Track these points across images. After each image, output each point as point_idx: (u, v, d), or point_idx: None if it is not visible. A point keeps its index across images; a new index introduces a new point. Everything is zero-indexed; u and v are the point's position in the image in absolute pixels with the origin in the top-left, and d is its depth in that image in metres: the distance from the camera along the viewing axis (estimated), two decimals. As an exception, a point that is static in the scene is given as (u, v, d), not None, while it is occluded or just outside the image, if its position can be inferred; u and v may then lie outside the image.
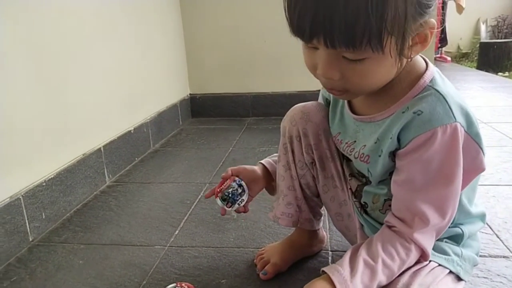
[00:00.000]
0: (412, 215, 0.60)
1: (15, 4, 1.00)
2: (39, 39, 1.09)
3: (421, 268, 0.62)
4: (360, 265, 0.58)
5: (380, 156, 0.63)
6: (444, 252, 0.66)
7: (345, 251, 0.65)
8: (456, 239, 0.68)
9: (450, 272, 0.65)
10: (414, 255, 0.61)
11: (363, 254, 0.60)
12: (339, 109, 0.74)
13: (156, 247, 0.98)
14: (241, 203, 0.80)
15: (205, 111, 2.28)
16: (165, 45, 2.00)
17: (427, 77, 0.60)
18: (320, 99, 0.82)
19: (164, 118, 1.91)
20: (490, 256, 0.88)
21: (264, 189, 0.87)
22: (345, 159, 0.77)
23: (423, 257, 0.62)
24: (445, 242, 0.68)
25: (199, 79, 2.26)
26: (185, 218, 1.12)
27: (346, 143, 0.71)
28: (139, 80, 1.69)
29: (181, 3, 2.15)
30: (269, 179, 0.87)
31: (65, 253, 0.98)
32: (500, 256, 0.88)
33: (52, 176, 1.12)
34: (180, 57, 2.17)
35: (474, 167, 0.62)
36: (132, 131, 1.59)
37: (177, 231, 1.05)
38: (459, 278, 0.66)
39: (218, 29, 2.17)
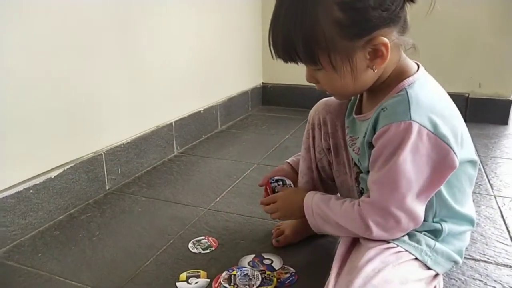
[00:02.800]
0: (369, 191, 0.71)
1: None
2: (125, 22, 1.35)
3: (388, 248, 0.70)
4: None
5: (365, 148, 0.74)
6: (417, 241, 0.72)
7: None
8: (435, 233, 0.74)
9: (418, 259, 0.71)
10: (357, 216, 0.70)
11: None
12: (349, 109, 0.85)
13: (198, 208, 1.19)
14: (289, 186, 0.97)
15: (275, 100, 2.44)
16: (243, 36, 2.19)
17: (407, 82, 0.68)
18: None
19: (234, 103, 2.12)
20: (496, 264, 0.92)
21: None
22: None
23: (366, 230, 0.70)
24: (424, 234, 0.74)
25: (273, 70, 2.42)
26: (228, 189, 1.31)
27: (351, 137, 0.82)
28: (214, 67, 1.91)
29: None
30: (295, 174, 1.00)
31: (130, 202, 1.23)
32: (506, 266, 0.92)
33: (129, 141, 1.39)
34: (257, 48, 2.35)
35: (446, 165, 0.66)
36: (202, 112, 1.82)
37: (218, 199, 1.24)
38: (428, 268, 0.73)
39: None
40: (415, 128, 0.63)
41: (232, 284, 0.82)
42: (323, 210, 0.78)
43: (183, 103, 1.71)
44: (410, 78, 0.69)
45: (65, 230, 1.07)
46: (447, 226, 0.74)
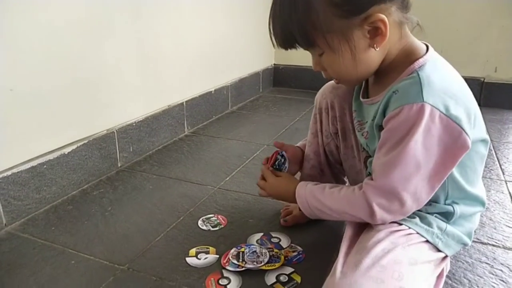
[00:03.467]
0: (374, 173, 0.70)
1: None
2: (138, 2, 1.34)
3: (398, 230, 0.71)
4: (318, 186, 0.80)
5: (374, 131, 0.73)
6: (428, 224, 0.73)
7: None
8: (447, 216, 0.74)
9: (429, 242, 0.72)
10: (360, 200, 0.70)
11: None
12: (355, 94, 0.84)
13: (208, 186, 1.20)
14: (285, 170, 0.95)
15: (286, 81, 2.43)
16: (255, 16, 2.16)
17: (418, 64, 0.67)
18: None
19: (245, 84, 2.11)
20: (504, 248, 0.92)
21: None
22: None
23: (370, 213, 0.69)
24: (435, 216, 0.74)
25: (284, 51, 2.40)
26: (238, 169, 1.32)
27: (358, 121, 0.82)
28: (226, 47, 1.90)
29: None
30: (302, 158, 1.00)
31: (141, 179, 1.25)
32: (514, 250, 0.92)
33: (141, 119, 1.40)
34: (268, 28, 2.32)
35: (458, 146, 0.65)
36: (213, 92, 1.82)
37: (227, 178, 1.26)
38: (438, 250, 0.73)
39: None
40: (428, 110, 0.62)
41: (240, 260, 0.84)
42: (318, 199, 0.78)
43: (195, 83, 1.71)
44: (421, 60, 0.67)
45: (78, 205, 1.10)
46: (459, 208, 0.74)
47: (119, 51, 1.27)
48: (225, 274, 0.82)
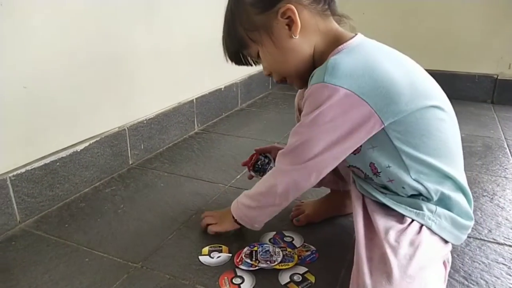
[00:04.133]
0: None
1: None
2: (148, 5, 1.34)
3: (404, 229, 0.70)
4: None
5: None
6: (419, 207, 0.72)
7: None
8: (425, 194, 0.73)
9: (436, 234, 0.71)
10: (270, 174, 0.81)
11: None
12: None
13: (219, 184, 1.20)
14: (270, 170, 0.94)
15: (296, 78, 2.42)
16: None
17: (333, 53, 0.71)
18: None
19: (255, 81, 2.10)
20: (521, 249, 0.91)
21: None
22: None
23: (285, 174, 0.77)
24: (422, 199, 0.74)
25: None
26: (249, 167, 1.31)
27: None
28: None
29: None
30: None
31: (153, 177, 1.25)
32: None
33: (152, 116, 1.40)
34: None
35: (364, 119, 0.67)
36: (222, 89, 1.82)
37: (238, 176, 1.25)
38: (444, 241, 0.72)
39: None
40: (327, 87, 0.66)
41: (253, 259, 0.84)
42: (243, 201, 0.86)
43: (205, 81, 1.70)
44: (339, 47, 0.71)
45: (90, 202, 1.10)
46: (430, 185, 0.72)
47: (130, 49, 1.27)
48: (239, 273, 0.81)
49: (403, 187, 0.74)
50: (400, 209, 0.74)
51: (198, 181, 1.22)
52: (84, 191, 1.15)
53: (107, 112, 1.22)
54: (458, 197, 0.75)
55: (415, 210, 0.73)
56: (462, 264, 0.85)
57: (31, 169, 1.00)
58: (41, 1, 0.97)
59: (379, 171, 0.74)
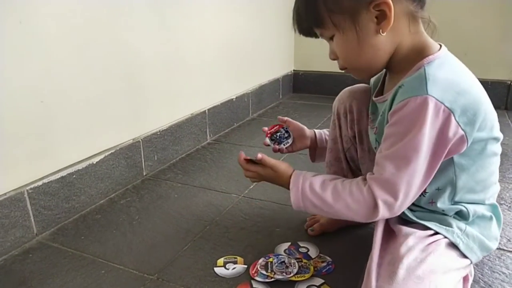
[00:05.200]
0: (376, 167, 0.69)
1: (151, -11, 1.28)
2: (160, 11, 1.36)
3: (426, 236, 0.70)
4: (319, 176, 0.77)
5: (384, 126, 0.72)
6: (448, 224, 0.72)
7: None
8: (463, 215, 0.73)
9: (453, 246, 0.71)
10: (366, 197, 0.68)
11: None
12: (372, 96, 0.84)
13: (232, 195, 1.20)
14: (286, 144, 0.96)
15: (306, 87, 2.42)
16: (275, 23, 2.17)
17: (427, 60, 0.67)
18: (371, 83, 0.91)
19: (265, 90, 2.11)
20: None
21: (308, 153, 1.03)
22: None
23: (373, 211, 0.68)
24: (453, 217, 0.74)
25: (304, 57, 2.40)
26: (262, 177, 1.31)
27: (372, 120, 0.82)
28: (247, 54, 1.90)
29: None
30: (313, 143, 0.99)
31: (166, 187, 1.26)
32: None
33: (165, 128, 1.41)
34: (288, 35, 2.32)
35: (453, 140, 0.64)
36: (234, 99, 1.83)
37: (252, 186, 1.25)
38: (463, 255, 0.72)
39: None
40: (432, 102, 0.62)
41: (269, 271, 0.83)
42: (316, 192, 0.74)
43: (216, 91, 1.72)
44: (430, 57, 0.68)
45: (106, 214, 1.11)
46: (471, 208, 0.73)
47: (143, 62, 1.29)
48: (254, 285, 0.81)
49: (443, 210, 0.74)
50: (430, 225, 0.72)
51: (211, 192, 1.23)
52: (99, 203, 1.17)
53: (121, 124, 1.23)
54: (491, 220, 0.77)
55: (444, 227, 0.72)
56: (481, 275, 0.84)
57: (48, 182, 1.02)
58: (57, 18, 0.99)
59: (427, 191, 0.73)
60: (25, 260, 0.92)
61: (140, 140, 1.30)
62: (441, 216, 0.74)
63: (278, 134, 0.96)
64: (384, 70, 0.80)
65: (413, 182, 0.66)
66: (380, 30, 0.67)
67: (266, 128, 0.98)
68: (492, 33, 1.94)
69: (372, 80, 0.86)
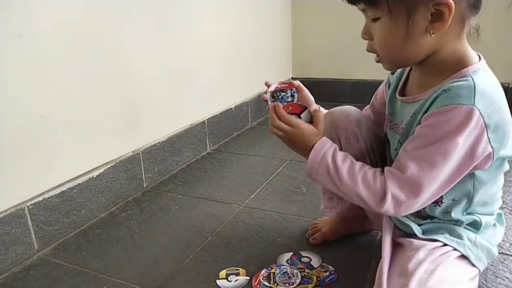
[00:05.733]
0: (397, 164, 0.68)
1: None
2: (160, 21, 1.37)
3: (435, 248, 0.70)
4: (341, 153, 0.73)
5: (413, 128, 0.70)
6: (459, 236, 0.72)
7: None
8: (475, 225, 0.74)
9: (463, 256, 0.71)
10: (378, 186, 0.67)
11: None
12: (391, 92, 0.82)
13: (233, 205, 1.20)
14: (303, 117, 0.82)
15: (305, 94, 2.42)
16: (273, 31, 2.18)
17: (472, 68, 0.66)
18: (382, 86, 0.89)
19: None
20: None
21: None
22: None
23: (380, 201, 0.67)
24: (464, 228, 0.74)
25: (302, 63, 2.40)
26: (262, 186, 1.31)
27: (396, 124, 0.78)
28: (244, 63, 1.91)
29: (291, -8, 2.30)
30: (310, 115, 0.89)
31: (167, 199, 1.26)
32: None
33: (165, 139, 1.42)
34: (286, 42, 2.33)
35: (482, 155, 0.64)
36: (233, 108, 1.83)
37: (252, 196, 1.25)
38: (472, 264, 0.72)
39: (324, 16, 2.27)
40: (476, 114, 0.61)
41: (272, 282, 0.83)
42: (336, 164, 0.71)
43: (215, 101, 1.72)
44: (474, 66, 0.66)
45: (107, 228, 1.11)
46: (483, 218, 0.74)
47: (143, 74, 1.29)
48: (257, 296, 0.81)
49: (457, 220, 0.73)
50: (440, 238, 0.72)
51: (212, 202, 1.22)
52: (100, 217, 1.16)
53: (121, 137, 1.24)
54: (498, 227, 0.78)
55: (456, 239, 0.72)
56: (485, 280, 0.83)
57: (49, 197, 1.02)
58: (57, 33, 1.00)
59: (443, 201, 0.72)
60: (26, 277, 0.92)
61: (140, 152, 1.30)
62: (451, 227, 0.74)
63: (282, 94, 0.84)
64: (408, 70, 0.79)
65: (430, 188, 0.65)
66: (431, 31, 0.65)
67: (270, 83, 0.85)
68: (488, 36, 1.95)
69: (395, 75, 0.83)
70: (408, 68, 0.79)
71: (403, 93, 0.78)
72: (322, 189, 0.97)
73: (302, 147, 0.75)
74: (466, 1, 0.64)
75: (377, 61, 0.73)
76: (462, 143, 0.62)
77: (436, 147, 0.63)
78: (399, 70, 0.82)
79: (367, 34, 0.70)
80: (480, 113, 0.61)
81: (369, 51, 0.73)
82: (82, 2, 1.06)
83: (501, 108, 0.64)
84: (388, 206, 0.67)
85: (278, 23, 2.21)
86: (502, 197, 1.18)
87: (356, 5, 0.69)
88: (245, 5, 1.87)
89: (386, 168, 0.69)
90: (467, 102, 0.62)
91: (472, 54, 0.69)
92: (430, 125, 0.64)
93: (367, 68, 2.23)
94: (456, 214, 0.73)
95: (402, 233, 0.77)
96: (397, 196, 0.66)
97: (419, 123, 0.68)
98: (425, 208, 0.73)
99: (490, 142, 0.63)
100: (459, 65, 0.67)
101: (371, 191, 0.68)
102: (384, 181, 0.67)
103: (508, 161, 0.74)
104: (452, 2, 0.62)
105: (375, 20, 0.68)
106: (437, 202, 0.72)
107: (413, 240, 0.72)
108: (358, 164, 0.71)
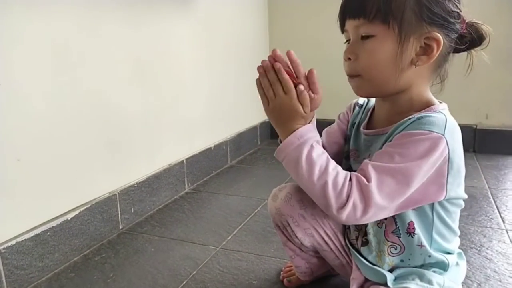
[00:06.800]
0: (361, 172, 0.68)
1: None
2: (139, 64, 1.41)
3: None
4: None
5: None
6: (428, 282, 0.73)
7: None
8: (443, 266, 0.75)
9: None
10: (345, 190, 0.66)
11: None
12: (355, 130, 0.85)
13: (210, 247, 1.20)
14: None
15: (283, 133, 2.47)
16: (250, 72, 2.24)
17: (441, 106, 0.72)
18: (334, 125, 0.91)
19: (243, 138, 2.16)
20: None
21: None
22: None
23: (340, 205, 0.66)
24: (433, 271, 0.75)
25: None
26: (239, 227, 1.32)
27: (364, 158, 0.78)
28: (224, 103, 1.96)
29: (270, 36, 2.40)
30: None
31: (143, 241, 1.25)
32: None
33: (142, 180, 1.42)
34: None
35: (438, 189, 0.68)
36: (212, 148, 1.86)
37: (229, 237, 1.26)
38: None
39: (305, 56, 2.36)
40: (443, 144, 0.65)
41: (245, 327, 0.83)
42: (311, 156, 0.68)
43: (194, 141, 1.74)
44: (440, 106, 0.72)
45: (80, 272, 1.09)
46: (449, 258, 0.76)
47: (120, 115, 1.32)
48: None
49: (429, 256, 0.75)
50: (412, 285, 0.72)
51: (188, 244, 1.22)
52: (73, 260, 1.14)
53: (98, 178, 1.24)
54: (461, 265, 0.80)
55: (426, 285, 0.73)
56: (454, 323, 0.85)
57: (22, 241, 1.00)
58: (35, 78, 1.02)
59: (415, 232, 0.73)
60: (-6, 325, 0.89)
61: (117, 193, 1.30)
62: (421, 271, 0.75)
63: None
64: (371, 107, 0.82)
65: (394, 203, 0.67)
66: (417, 62, 0.69)
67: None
68: (453, 81, 2.06)
69: (355, 114, 0.87)
70: (371, 105, 0.83)
71: (368, 128, 0.81)
72: (290, 257, 0.95)
73: (284, 122, 0.72)
74: (447, 46, 0.70)
75: (351, 83, 0.74)
76: (427, 168, 0.65)
77: (407, 165, 0.65)
78: (359, 109, 0.86)
79: (353, 54, 0.71)
80: (447, 144, 0.65)
81: (350, 74, 0.73)
82: (62, 43, 1.09)
83: (460, 148, 0.69)
84: (345, 212, 0.66)
85: (254, 62, 2.29)
86: (470, 237, 1.22)
87: (352, 20, 0.70)
88: (225, 46, 1.94)
89: (353, 174, 0.68)
90: (438, 130, 0.65)
91: (434, 99, 0.75)
92: (400, 144, 0.67)
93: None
94: (427, 251, 0.74)
95: (371, 282, 0.79)
96: (356, 205, 0.66)
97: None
98: (403, 243, 0.75)
99: (447, 174, 0.67)
100: (425, 105, 0.72)
101: (336, 194, 0.66)
102: (352, 186, 0.66)
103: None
104: (441, 38, 0.67)
105: (365, 38, 0.69)
106: (410, 232, 0.73)
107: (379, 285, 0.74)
108: (333, 163, 0.70)
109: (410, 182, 0.65)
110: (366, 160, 0.70)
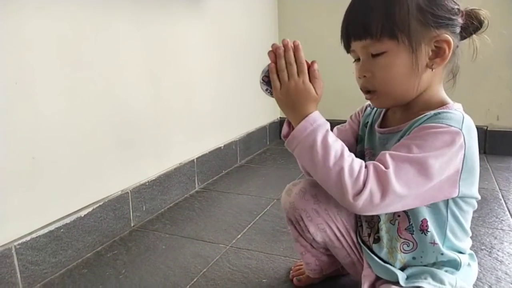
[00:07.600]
0: (380, 161, 0.66)
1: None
2: (149, 62, 1.42)
3: None
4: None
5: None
6: (440, 281, 0.73)
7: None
8: (455, 265, 0.75)
9: None
10: (362, 177, 0.64)
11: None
12: (368, 129, 0.85)
13: (220, 245, 1.21)
14: (267, 92, 0.82)
15: (293, 133, 2.48)
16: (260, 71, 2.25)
17: (456, 105, 0.72)
18: (346, 125, 0.92)
19: (253, 138, 2.17)
20: None
21: None
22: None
23: (358, 191, 0.64)
24: (445, 271, 0.75)
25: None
26: (249, 226, 1.33)
27: (373, 155, 0.81)
28: (234, 103, 1.97)
29: (280, 36, 2.40)
30: None
31: (154, 239, 1.27)
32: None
33: (154, 178, 1.44)
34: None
35: (452, 184, 0.67)
36: (222, 147, 1.87)
37: (239, 235, 1.27)
38: None
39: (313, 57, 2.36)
40: (461, 138, 0.65)
41: (256, 324, 0.84)
42: (327, 141, 0.67)
43: (205, 140, 1.76)
44: (456, 105, 0.73)
45: (92, 268, 1.11)
46: (462, 258, 0.76)
47: (133, 114, 1.34)
48: None
49: (441, 254, 0.75)
50: (424, 284, 0.72)
51: (199, 242, 1.24)
52: (86, 256, 1.16)
53: (110, 176, 1.26)
54: (473, 266, 0.79)
55: (438, 285, 0.73)
56: (464, 323, 0.85)
57: (36, 237, 1.02)
58: (49, 78, 1.04)
59: (428, 230, 0.73)
60: (9, 318, 0.91)
61: (129, 191, 1.32)
62: (433, 270, 0.75)
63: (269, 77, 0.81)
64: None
65: (406, 193, 0.65)
66: (432, 65, 0.70)
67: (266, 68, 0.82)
68: (464, 82, 2.05)
69: (367, 113, 0.87)
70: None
71: (382, 127, 0.81)
72: (300, 253, 0.96)
73: (297, 105, 0.71)
74: (455, 43, 0.70)
75: (369, 98, 0.75)
76: (446, 161, 0.64)
77: (421, 156, 0.64)
78: (371, 110, 0.87)
79: (368, 72, 0.71)
80: (464, 139, 0.65)
81: (366, 90, 0.74)
82: (75, 43, 1.11)
83: (476, 146, 0.69)
84: (364, 202, 0.64)
85: (264, 63, 2.29)
86: (481, 239, 1.22)
87: (359, 41, 0.70)
88: (235, 46, 1.95)
89: (369, 162, 0.67)
90: (456, 125, 0.65)
91: (448, 99, 0.75)
92: (417, 136, 0.66)
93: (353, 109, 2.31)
94: (440, 248, 0.74)
95: (383, 281, 0.79)
96: (373, 192, 0.64)
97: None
98: (415, 240, 0.74)
99: (461, 171, 0.67)
100: (441, 104, 0.73)
101: (351, 181, 0.64)
102: (369, 173, 0.64)
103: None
104: (450, 39, 0.68)
105: (375, 56, 0.70)
106: (423, 229, 0.73)
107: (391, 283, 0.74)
108: (347, 150, 0.68)
109: (428, 173, 0.64)
110: (383, 151, 0.68)
